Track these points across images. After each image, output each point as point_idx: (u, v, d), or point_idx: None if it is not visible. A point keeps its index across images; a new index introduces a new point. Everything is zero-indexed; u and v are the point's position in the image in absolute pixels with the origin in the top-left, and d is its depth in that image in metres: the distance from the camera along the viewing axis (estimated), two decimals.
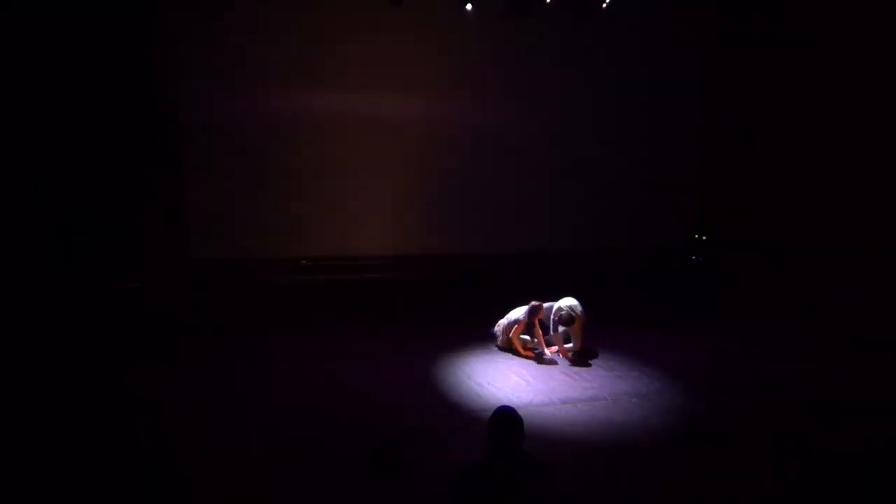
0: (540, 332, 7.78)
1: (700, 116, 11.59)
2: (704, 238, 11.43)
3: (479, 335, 8.15)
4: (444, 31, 9.97)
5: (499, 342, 7.89)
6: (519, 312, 7.75)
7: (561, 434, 5.82)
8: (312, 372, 7.13)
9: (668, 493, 5.03)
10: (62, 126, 8.10)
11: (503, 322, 7.86)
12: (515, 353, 7.71)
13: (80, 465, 5.07)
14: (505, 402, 6.08)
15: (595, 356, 7.75)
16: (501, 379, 7.04)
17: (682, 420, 6.21)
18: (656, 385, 6.98)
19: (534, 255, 8.40)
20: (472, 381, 6.96)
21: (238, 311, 8.81)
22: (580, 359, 7.58)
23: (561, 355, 7.66)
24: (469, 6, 9.84)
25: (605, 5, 10.15)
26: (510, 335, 7.71)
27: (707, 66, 11.44)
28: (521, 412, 3.46)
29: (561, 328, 7.62)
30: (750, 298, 10.25)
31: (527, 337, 7.83)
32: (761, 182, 10.78)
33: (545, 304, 7.79)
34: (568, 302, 7.62)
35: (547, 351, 7.68)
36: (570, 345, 7.67)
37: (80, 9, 8.13)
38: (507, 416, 3.43)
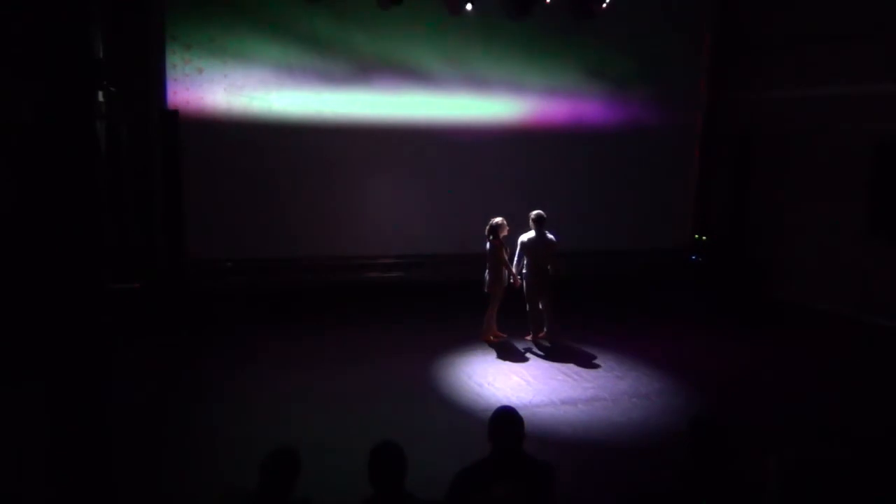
0: (505, 259, 7.94)
1: (700, 117, 11.60)
2: (704, 238, 11.43)
3: (478, 335, 8.15)
4: (444, 30, 9.97)
5: (490, 288, 8.00)
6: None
7: (561, 434, 5.82)
8: (311, 372, 7.13)
9: (668, 493, 5.01)
10: (62, 125, 8.08)
11: (488, 275, 7.98)
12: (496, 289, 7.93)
13: (72, 466, 5.06)
14: (505, 402, 6.09)
15: (595, 356, 7.75)
16: (501, 379, 7.05)
17: (682, 420, 6.20)
18: (656, 385, 6.99)
19: None
20: (472, 381, 6.96)
21: (237, 311, 8.82)
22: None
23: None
24: (469, 6, 9.84)
25: (604, 5, 10.16)
26: (499, 266, 7.88)
27: (707, 67, 11.45)
28: (521, 412, 3.46)
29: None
30: (748, 299, 10.25)
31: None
32: (761, 183, 10.76)
33: (495, 221, 7.95)
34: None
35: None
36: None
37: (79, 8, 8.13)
38: (507, 416, 3.42)
